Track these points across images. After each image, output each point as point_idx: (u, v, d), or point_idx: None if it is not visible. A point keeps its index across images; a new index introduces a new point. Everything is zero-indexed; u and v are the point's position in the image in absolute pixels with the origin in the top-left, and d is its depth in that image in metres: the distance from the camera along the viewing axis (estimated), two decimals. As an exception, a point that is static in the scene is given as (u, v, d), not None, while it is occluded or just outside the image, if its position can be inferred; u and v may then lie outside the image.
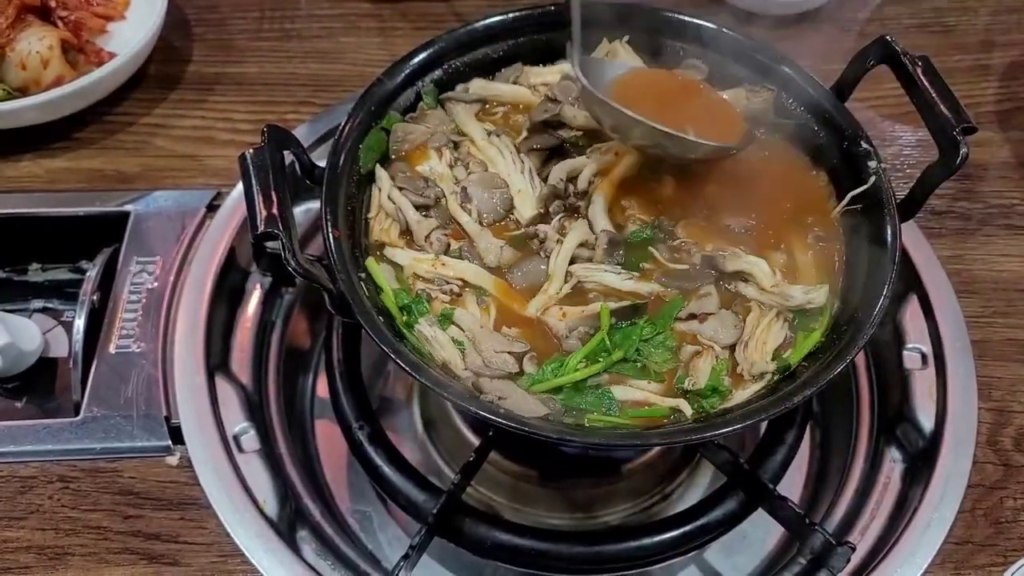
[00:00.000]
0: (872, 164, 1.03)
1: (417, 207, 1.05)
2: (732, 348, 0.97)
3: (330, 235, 0.96)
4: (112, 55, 1.49)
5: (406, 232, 1.05)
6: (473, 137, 1.12)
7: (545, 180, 1.08)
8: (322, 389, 1.40)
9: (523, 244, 1.04)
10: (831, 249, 1.04)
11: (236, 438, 1.16)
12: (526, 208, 1.06)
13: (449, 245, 1.04)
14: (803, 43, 1.60)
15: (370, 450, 1.12)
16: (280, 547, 1.05)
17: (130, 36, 1.53)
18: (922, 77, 1.00)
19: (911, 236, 1.30)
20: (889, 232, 0.99)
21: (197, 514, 1.09)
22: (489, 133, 1.12)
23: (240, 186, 1.24)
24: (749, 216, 1.05)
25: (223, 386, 1.20)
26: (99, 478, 1.11)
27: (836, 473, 1.27)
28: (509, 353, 0.94)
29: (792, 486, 1.30)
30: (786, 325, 0.99)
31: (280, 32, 1.63)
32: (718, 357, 0.96)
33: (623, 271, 1.01)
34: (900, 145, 1.48)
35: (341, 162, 1.03)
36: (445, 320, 0.97)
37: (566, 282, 1.00)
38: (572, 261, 1.01)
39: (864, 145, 1.05)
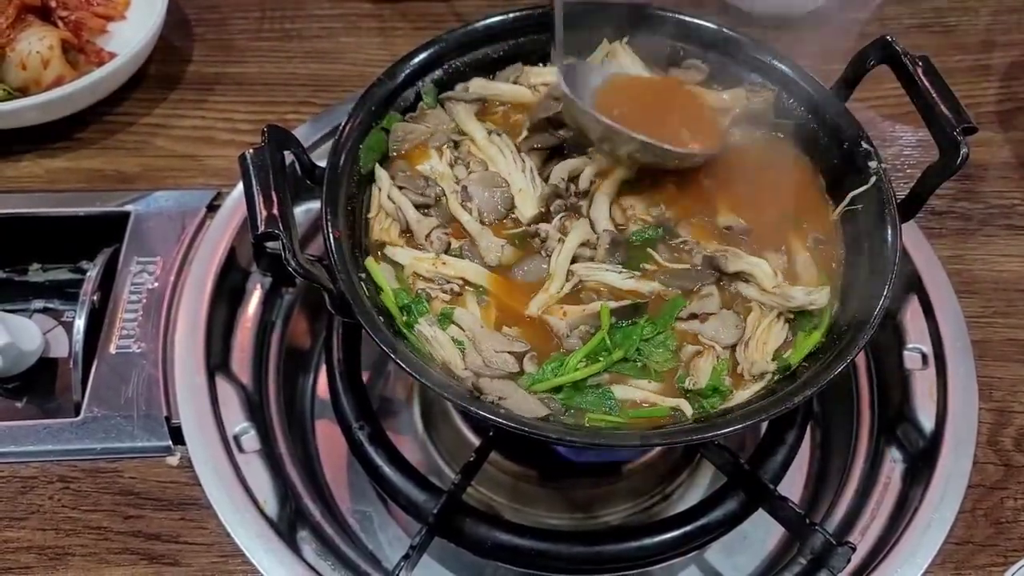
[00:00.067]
0: (872, 164, 1.03)
1: (417, 206, 1.05)
2: (732, 348, 0.97)
3: (330, 235, 0.96)
4: (112, 55, 1.49)
5: (406, 231, 1.05)
6: (474, 136, 1.12)
7: (546, 180, 1.08)
8: (322, 389, 1.40)
9: (524, 243, 1.04)
10: (832, 250, 1.04)
11: (236, 438, 1.16)
12: (527, 207, 1.06)
13: (450, 244, 1.04)
14: (803, 43, 1.59)
15: (370, 450, 1.12)
16: (280, 547, 1.05)
17: (130, 36, 1.53)
18: (922, 77, 1.00)
19: (911, 236, 1.30)
20: (890, 232, 0.99)
21: (197, 514, 1.09)
22: (490, 132, 1.12)
23: (240, 186, 1.24)
24: (750, 216, 1.05)
25: (223, 386, 1.20)
26: (99, 478, 1.11)
27: (836, 473, 1.27)
28: (509, 353, 0.94)
29: (792, 486, 1.30)
30: (787, 326, 0.99)
31: (280, 32, 1.63)
32: (719, 357, 0.96)
33: (624, 270, 1.01)
34: (900, 145, 1.48)
35: (341, 162, 1.03)
36: (445, 320, 0.97)
37: (567, 281, 1.00)
38: (573, 260, 1.01)
39: (864, 145, 1.05)
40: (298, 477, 1.21)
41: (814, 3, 1.62)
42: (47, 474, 1.12)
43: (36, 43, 1.42)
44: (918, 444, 1.18)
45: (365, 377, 1.22)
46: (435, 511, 1.05)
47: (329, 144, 1.06)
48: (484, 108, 1.16)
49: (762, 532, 1.25)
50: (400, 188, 1.06)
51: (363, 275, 0.98)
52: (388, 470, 1.11)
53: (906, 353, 1.24)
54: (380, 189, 1.06)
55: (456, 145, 1.13)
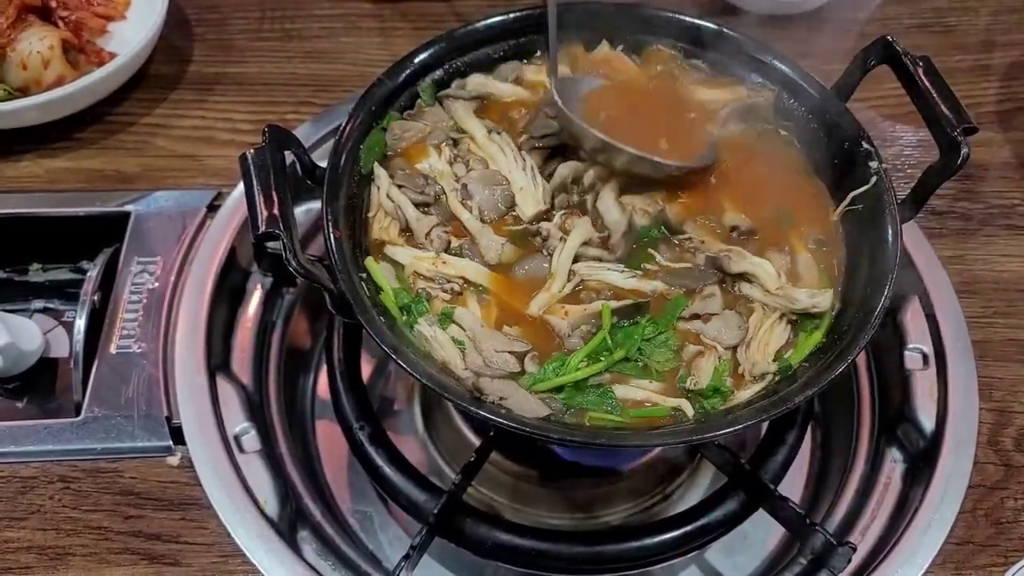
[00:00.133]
0: (873, 164, 1.03)
1: (416, 204, 1.05)
2: (734, 349, 0.97)
3: (331, 235, 0.96)
4: (113, 55, 1.49)
5: (406, 230, 1.05)
6: (473, 134, 1.12)
7: (547, 178, 1.08)
8: (323, 389, 1.40)
9: (524, 241, 1.04)
10: (833, 250, 1.04)
11: (237, 438, 1.16)
12: (528, 205, 1.06)
13: (450, 242, 1.03)
14: (803, 43, 1.59)
15: (371, 450, 1.12)
16: (281, 547, 1.05)
17: (131, 36, 1.54)
18: (923, 77, 1.00)
19: (912, 236, 1.30)
20: (890, 232, 0.99)
21: (198, 514, 1.09)
22: (489, 131, 1.12)
23: (241, 186, 1.24)
24: (751, 216, 1.05)
25: (224, 386, 1.20)
26: (100, 478, 1.11)
27: (837, 473, 1.27)
28: (510, 353, 0.94)
29: (793, 486, 1.30)
30: (789, 327, 0.99)
31: (281, 32, 1.63)
32: (721, 357, 0.96)
33: (626, 270, 1.01)
34: (901, 145, 1.48)
35: (342, 162, 1.03)
36: (446, 319, 0.97)
37: (569, 281, 1.00)
38: (575, 260, 1.01)
39: (865, 145, 1.05)
40: (298, 477, 1.21)
41: (814, 3, 1.62)
42: (47, 474, 1.12)
43: (37, 43, 1.42)
44: (918, 444, 1.18)
45: (365, 377, 1.22)
46: (435, 511, 1.05)
47: (329, 144, 1.06)
48: (483, 106, 1.16)
49: (762, 532, 1.25)
50: (399, 187, 1.06)
51: (363, 275, 0.98)
52: (388, 470, 1.11)
53: (906, 353, 1.24)
54: (379, 188, 1.06)
55: (455, 143, 1.12)
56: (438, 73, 1.15)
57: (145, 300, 1.25)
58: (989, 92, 1.56)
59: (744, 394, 0.94)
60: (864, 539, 1.12)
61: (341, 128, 1.05)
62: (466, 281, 1.01)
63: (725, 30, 1.15)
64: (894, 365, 1.26)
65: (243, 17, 1.65)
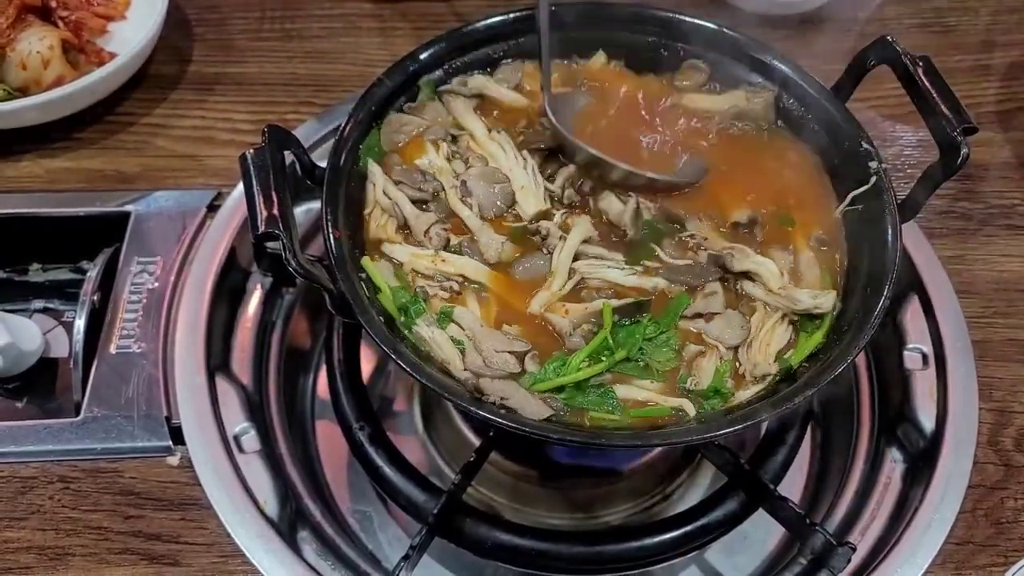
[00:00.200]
0: (873, 164, 1.03)
1: (414, 201, 1.05)
2: (735, 349, 0.97)
3: (330, 235, 0.96)
4: (113, 55, 1.49)
5: (404, 227, 1.04)
6: (473, 132, 1.12)
7: (547, 179, 1.08)
8: (322, 389, 1.40)
9: (523, 239, 1.04)
10: (833, 250, 1.04)
11: (237, 438, 1.16)
12: (529, 204, 1.05)
13: (448, 240, 1.03)
14: (803, 43, 1.60)
15: (371, 450, 1.12)
16: (281, 547, 1.05)
17: (130, 36, 1.54)
18: (923, 77, 1.00)
19: (912, 236, 1.30)
20: (890, 232, 0.99)
21: (198, 514, 1.09)
22: (489, 129, 1.12)
23: (241, 186, 1.24)
24: (752, 216, 1.05)
25: (224, 386, 1.20)
26: (100, 478, 1.11)
27: (837, 473, 1.27)
28: (510, 353, 0.93)
29: (793, 486, 1.30)
30: (790, 327, 0.99)
31: (281, 32, 1.63)
32: (722, 358, 0.96)
33: (627, 267, 1.01)
34: (901, 145, 1.48)
35: (342, 162, 1.03)
36: (445, 318, 0.97)
37: (569, 279, 1.00)
38: (575, 258, 1.01)
39: (865, 145, 1.05)
40: (298, 477, 1.21)
41: (814, 3, 1.62)
42: (47, 474, 1.12)
43: (36, 43, 1.42)
44: (918, 444, 1.18)
45: (365, 377, 1.22)
46: (435, 511, 1.05)
47: (329, 144, 1.06)
48: (482, 105, 1.16)
49: (762, 532, 1.25)
50: (397, 183, 1.05)
51: (363, 275, 0.98)
52: (388, 470, 1.11)
53: (906, 353, 1.24)
54: (374, 185, 1.06)
55: (454, 139, 1.12)
56: (438, 73, 1.15)
57: (145, 300, 1.25)
58: (989, 92, 1.56)
59: (744, 394, 0.94)
60: (864, 539, 1.12)
61: (341, 128, 1.05)
62: (465, 279, 1.00)
63: (725, 30, 1.15)
64: (894, 365, 1.26)
65: (243, 17, 1.65)
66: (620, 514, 1.28)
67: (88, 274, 1.28)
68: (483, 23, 1.16)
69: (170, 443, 1.14)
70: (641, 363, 0.95)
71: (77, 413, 1.16)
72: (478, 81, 1.16)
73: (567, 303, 0.99)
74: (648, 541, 1.07)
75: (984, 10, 1.69)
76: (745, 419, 0.88)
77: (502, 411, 0.89)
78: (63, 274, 1.44)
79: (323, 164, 1.02)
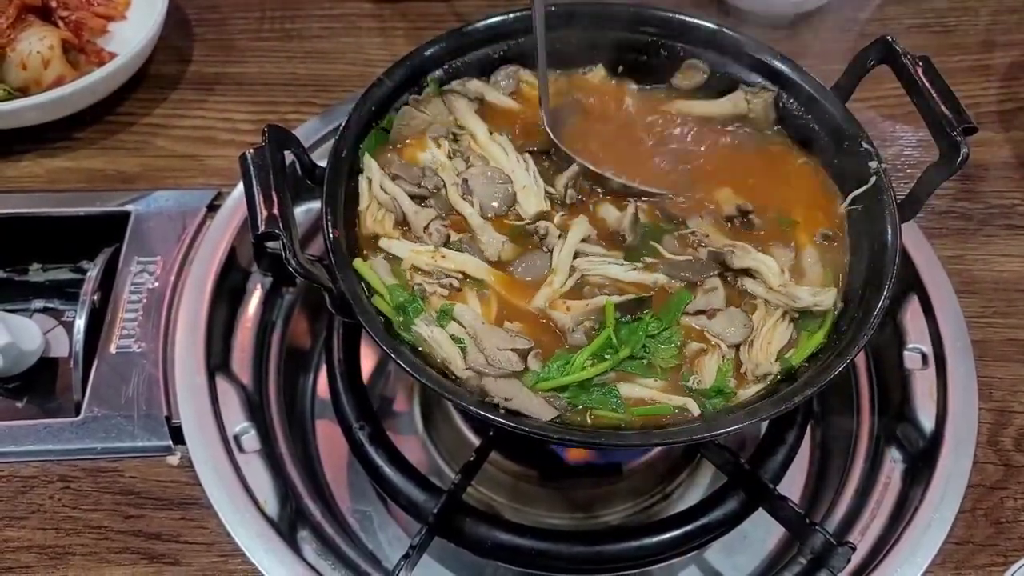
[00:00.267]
0: (873, 164, 1.03)
1: (412, 197, 1.04)
2: (737, 347, 0.97)
3: (330, 235, 0.96)
4: (113, 55, 1.49)
5: (402, 223, 1.04)
6: (475, 133, 1.12)
7: (547, 181, 1.08)
8: (322, 389, 1.40)
9: (523, 239, 1.04)
10: (833, 250, 1.04)
11: (237, 438, 1.16)
12: (530, 204, 1.06)
13: (449, 236, 1.03)
14: (803, 43, 1.60)
15: (370, 450, 1.12)
16: (281, 547, 1.05)
17: (131, 36, 1.54)
18: (923, 77, 1.00)
19: (912, 236, 1.30)
20: (890, 232, 0.99)
21: (198, 514, 1.09)
22: (491, 132, 1.12)
23: (241, 186, 1.24)
24: (752, 216, 1.05)
25: (224, 386, 1.20)
26: (100, 478, 1.11)
27: (836, 473, 1.27)
28: (513, 350, 0.93)
29: (792, 486, 1.30)
30: (791, 325, 0.99)
31: (281, 32, 1.63)
32: (724, 356, 0.96)
33: (626, 262, 1.01)
34: (901, 145, 1.48)
35: (342, 162, 1.03)
36: (445, 316, 0.96)
37: (570, 276, 1.00)
38: (574, 257, 1.01)
39: (865, 145, 1.05)
40: (298, 477, 1.21)
41: (814, 3, 1.62)
42: (47, 473, 1.12)
43: (37, 43, 1.42)
44: (918, 444, 1.18)
45: (365, 377, 1.22)
46: (435, 511, 1.05)
47: (329, 144, 1.06)
48: (482, 108, 1.16)
49: (762, 532, 1.25)
50: (394, 178, 1.05)
51: (363, 275, 0.98)
52: (388, 470, 1.11)
53: (906, 353, 1.25)
54: (370, 180, 1.05)
55: (455, 138, 1.12)
56: (438, 73, 1.15)
57: (145, 300, 1.25)
58: (989, 92, 1.56)
59: (744, 393, 0.94)
60: (864, 539, 1.12)
61: (341, 128, 1.05)
62: (466, 276, 1.00)
63: (724, 30, 1.15)
64: (894, 365, 1.26)
65: (243, 17, 1.66)
66: (620, 514, 1.28)
67: (88, 274, 1.28)
68: (483, 23, 1.16)
69: (170, 443, 1.14)
70: (644, 361, 0.95)
71: (77, 413, 1.16)
72: (476, 86, 1.16)
73: (568, 300, 0.99)
74: (648, 541, 1.08)
75: (984, 10, 1.69)
76: (744, 418, 0.88)
77: (501, 410, 0.89)
78: (63, 274, 1.44)
79: (323, 164, 1.02)
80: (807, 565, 1.08)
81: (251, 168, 0.89)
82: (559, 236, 1.02)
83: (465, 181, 1.06)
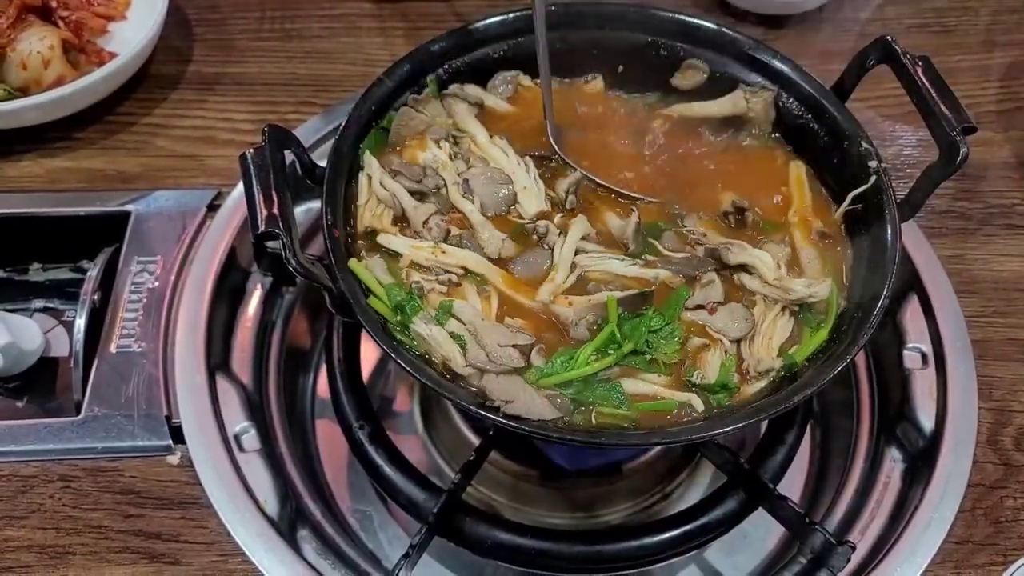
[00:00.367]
0: (872, 164, 1.03)
1: (412, 193, 1.04)
2: (738, 342, 0.97)
3: (330, 235, 0.96)
4: (113, 55, 1.50)
5: (401, 219, 1.04)
6: (475, 136, 1.12)
7: (547, 184, 1.08)
8: (322, 389, 1.40)
9: (523, 238, 1.04)
10: (832, 249, 1.05)
11: (237, 437, 1.16)
12: (531, 204, 1.06)
13: (449, 232, 1.03)
14: (803, 43, 1.60)
15: (370, 450, 1.12)
16: (281, 546, 1.05)
17: (131, 36, 1.54)
18: (922, 77, 1.00)
19: (911, 236, 1.30)
20: (889, 232, 0.99)
21: (198, 513, 1.09)
22: (492, 135, 1.12)
23: (241, 186, 1.24)
24: (749, 213, 1.06)
25: (224, 386, 1.20)
26: (100, 477, 1.12)
27: (836, 473, 1.27)
28: (514, 347, 0.92)
29: (792, 486, 1.30)
30: (792, 320, 0.99)
31: (281, 32, 1.63)
32: (727, 352, 0.96)
33: (626, 258, 1.01)
34: (900, 145, 1.48)
35: (342, 162, 1.03)
36: (444, 313, 0.96)
37: (571, 272, 1.00)
38: (575, 253, 1.01)
39: (864, 145, 1.05)
40: (298, 476, 1.21)
41: (814, 3, 1.62)
42: (48, 473, 1.12)
43: (37, 43, 1.42)
44: (918, 443, 1.18)
45: (365, 377, 1.22)
46: (435, 510, 1.05)
47: (329, 144, 1.06)
48: (481, 113, 1.16)
49: (762, 531, 1.25)
50: (394, 174, 1.05)
51: (363, 274, 0.98)
52: (388, 470, 1.11)
53: (906, 353, 1.25)
54: (370, 177, 1.05)
55: (455, 140, 1.12)
56: (438, 72, 1.15)
57: (145, 300, 1.25)
58: (989, 92, 1.56)
59: (748, 390, 0.94)
60: (863, 538, 1.12)
61: (341, 128, 1.05)
62: (466, 271, 1.00)
63: (724, 30, 1.15)
64: (893, 364, 1.26)
65: (243, 17, 1.66)
66: (620, 513, 1.28)
67: (88, 274, 1.28)
68: (483, 23, 1.16)
69: (170, 442, 1.14)
70: (648, 356, 0.94)
71: (77, 412, 1.16)
72: (474, 91, 1.16)
73: (570, 295, 0.99)
74: (648, 540, 1.08)
75: (984, 10, 1.69)
76: (743, 418, 0.88)
77: (501, 410, 0.89)
78: (63, 274, 1.45)
79: (323, 164, 1.02)
80: (807, 565, 1.08)
81: (251, 168, 0.90)
82: (559, 234, 1.02)
83: (466, 181, 1.06)
